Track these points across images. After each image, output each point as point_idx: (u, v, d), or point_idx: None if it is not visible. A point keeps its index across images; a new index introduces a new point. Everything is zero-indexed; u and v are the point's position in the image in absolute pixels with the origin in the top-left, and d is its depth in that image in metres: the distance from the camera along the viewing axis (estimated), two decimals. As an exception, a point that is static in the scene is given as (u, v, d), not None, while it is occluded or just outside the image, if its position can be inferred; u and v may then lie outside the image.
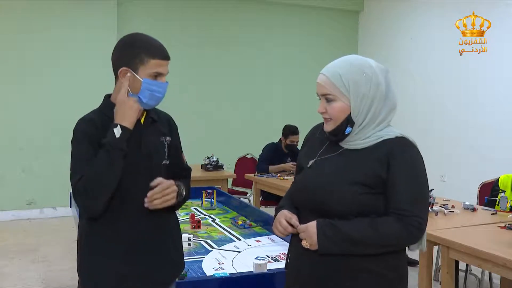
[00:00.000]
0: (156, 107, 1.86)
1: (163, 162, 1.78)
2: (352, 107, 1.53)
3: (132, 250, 1.72)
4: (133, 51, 1.68)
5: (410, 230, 1.48)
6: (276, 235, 1.66)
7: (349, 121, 1.53)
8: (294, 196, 1.67)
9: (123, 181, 1.68)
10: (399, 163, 1.50)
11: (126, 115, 1.64)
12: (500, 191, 3.84)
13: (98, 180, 1.61)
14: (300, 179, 1.65)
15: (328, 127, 1.58)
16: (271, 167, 5.50)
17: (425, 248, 1.62)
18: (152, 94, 1.69)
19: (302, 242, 1.55)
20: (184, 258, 1.99)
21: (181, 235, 1.95)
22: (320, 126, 1.71)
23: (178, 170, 1.87)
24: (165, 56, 1.71)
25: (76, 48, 6.42)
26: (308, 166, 1.63)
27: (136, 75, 1.67)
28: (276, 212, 1.67)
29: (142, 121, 1.78)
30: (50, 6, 6.34)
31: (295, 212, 1.62)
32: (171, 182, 1.71)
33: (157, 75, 1.69)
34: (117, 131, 1.62)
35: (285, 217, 1.60)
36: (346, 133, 1.55)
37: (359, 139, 1.55)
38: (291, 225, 1.59)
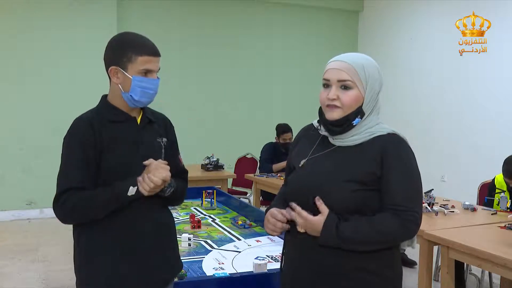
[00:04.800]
0: (152, 108, 1.86)
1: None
2: (365, 98, 1.54)
3: (129, 250, 1.72)
4: (121, 50, 1.68)
5: (407, 225, 1.50)
6: (270, 234, 1.65)
7: (359, 111, 1.54)
8: (288, 196, 1.65)
9: (119, 181, 1.67)
10: (393, 160, 1.51)
11: (153, 188, 1.62)
12: (498, 191, 3.84)
13: (88, 212, 1.66)
14: (293, 179, 1.64)
15: (334, 115, 1.54)
16: (275, 166, 5.52)
17: (415, 246, 1.65)
18: (143, 91, 1.69)
19: (298, 227, 1.53)
20: (184, 258, 2.00)
21: (176, 235, 1.94)
22: (311, 126, 1.70)
23: (175, 172, 1.87)
24: (153, 52, 1.70)
25: (76, 48, 6.42)
26: (300, 165, 1.62)
27: (126, 73, 1.68)
28: (267, 212, 1.66)
29: (138, 121, 1.78)
30: (50, 6, 6.33)
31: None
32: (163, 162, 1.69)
33: (146, 72, 1.69)
34: (131, 191, 1.63)
35: (272, 215, 1.59)
36: (354, 123, 1.54)
37: (350, 135, 1.56)
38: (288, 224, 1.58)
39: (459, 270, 3.66)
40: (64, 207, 1.65)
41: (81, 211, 1.65)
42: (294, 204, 1.54)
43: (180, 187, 1.82)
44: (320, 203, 1.51)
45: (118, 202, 1.65)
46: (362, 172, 1.51)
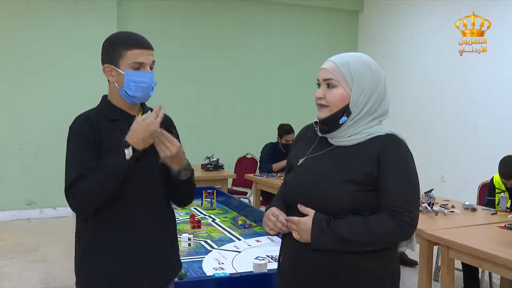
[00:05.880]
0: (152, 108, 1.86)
1: (160, 161, 1.78)
2: (352, 97, 1.55)
3: (128, 250, 1.72)
4: (112, 47, 1.70)
5: (403, 226, 1.50)
6: (267, 233, 1.66)
7: (346, 110, 1.54)
8: (286, 196, 1.66)
9: None
10: (391, 161, 1.51)
11: (146, 141, 1.61)
12: (498, 191, 3.84)
13: (97, 192, 1.62)
14: (291, 178, 1.65)
15: (322, 114, 1.58)
16: (275, 166, 5.52)
17: (414, 248, 1.65)
18: (137, 85, 1.69)
19: (293, 234, 1.55)
20: (184, 258, 1.99)
21: (176, 235, 1.93)
22: (311, 126, 1.72)
23: None
24: (142, 45, 1.70)
25: (76, 48, 6.41)
26: (298, 164, 1.63)
27: (118, 69, 1.68)
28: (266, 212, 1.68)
29: (137, 119, 1.78)
30: (50, 6, 6.33)
31: (285, 211, 1.62)
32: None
33: (139, 66, 1.69)
34: (128, 153, 1.60)
35: (273, 214, 1.60)
36: (340, 122, 1.55)
37: (347, 135, 1.56)
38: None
39: (473, 274, 3.65)
40: (75, 199, 1.63)
41: (92, 195, 1.63)
42: (285, 216, 1.58)
43: (192, 184, 1.83)
44: (303, 208, 1.54)
45: (123, 173, 1.62)
46: (359, 172, 1.51)
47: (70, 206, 1.68)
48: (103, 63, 1.73)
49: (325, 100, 1.56)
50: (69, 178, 1.65)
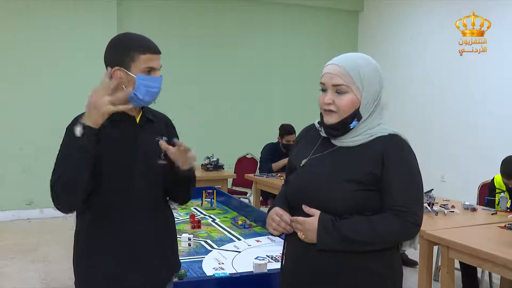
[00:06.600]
0: (153, 108, 1.86)
1: (160, 162, 1.78)
2: (362, 101, 1.53)
3: (128, 249, 1.72)
4: (123, 50, 1.69)
5: (407, 226, 1.50)
6: (270, 233, 1.65)
7: (356, 114, 1.53)
8: (288, 196, 1.66)
9: (119, 180, 1.68)
10: (395, 162, 1.51)
11: (92, 115, 1.59)
12: (498, 191, 3.84)
13: (69, 180, 1.58)
14: (294, 179, 1.64)
15: (331, 119, 1.55)
16: (274, 165, 5.52)
17: (417, 247, 1.65)
18: (147, 90, 1.69)
19: (298, 233, 1.55)
20: (184, 258, 1.98)
21: (176, 235, 1.93)
22: (312, 127, 1.71)
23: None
24: (154, 50, 1.71)
25: (76, 48, 6.42)
26: (301, 165, 1.62)
27: (129, 73, 1.68)
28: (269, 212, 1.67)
29: (137, 120, 1.78)
30: (50, 6, 6.33)
31: (288, 211, 1.61)
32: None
33: (150, 70, 1.70)
34: (78, 130, 1.58)
35: (277, 214, 1.60)
36: (351, 127, 1.54)
37: (351, 136, 1.56)
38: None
39: (472, 274, 3.65)
40: (57, 196, 1.61)
41: (66, 185, 1.59)
42: (289, 216, 1.58)
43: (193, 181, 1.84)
44: (308, 209, 1.54)
45: (80, 150, 1.57)
46: (362, 172, 1.51)
47: (57, 207, 1.64)
48: (112, 64, 1.69)
49: (335, 106, 1.54)
50: (52, 180, 1.62)
